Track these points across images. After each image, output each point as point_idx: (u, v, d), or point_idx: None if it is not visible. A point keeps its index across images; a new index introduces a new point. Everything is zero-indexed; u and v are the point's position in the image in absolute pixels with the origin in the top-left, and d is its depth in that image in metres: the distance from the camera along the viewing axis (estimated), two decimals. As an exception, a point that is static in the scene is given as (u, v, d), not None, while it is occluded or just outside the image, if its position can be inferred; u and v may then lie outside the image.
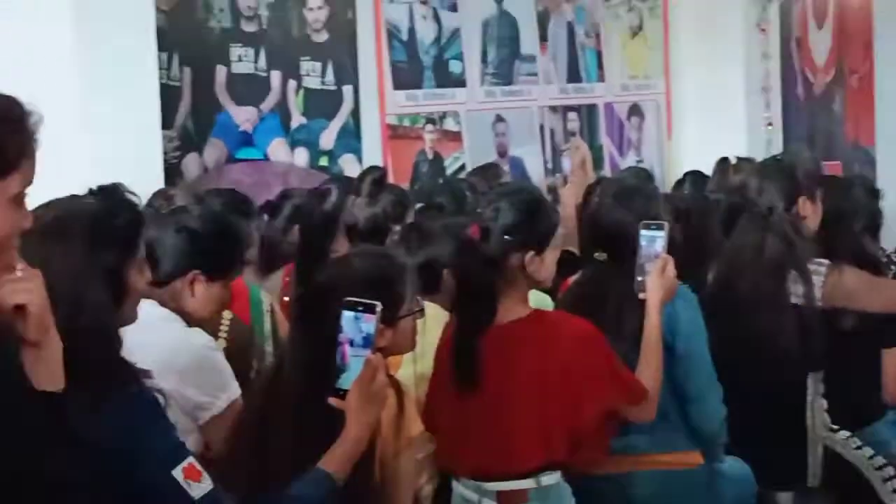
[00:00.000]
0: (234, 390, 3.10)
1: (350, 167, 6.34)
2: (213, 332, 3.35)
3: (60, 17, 4.59)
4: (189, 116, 5.70)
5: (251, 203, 4.51)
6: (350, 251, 3.66)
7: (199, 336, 3.13)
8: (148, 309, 2.84)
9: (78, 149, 4.52)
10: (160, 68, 5.18)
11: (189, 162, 5.72)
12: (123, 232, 2.37)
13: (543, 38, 7.55)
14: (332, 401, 2.61)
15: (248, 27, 6.00)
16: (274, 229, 4.69)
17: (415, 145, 6.84)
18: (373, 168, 4.96)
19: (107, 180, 2.47)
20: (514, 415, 3.24)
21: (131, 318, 2.40)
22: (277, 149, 6.15)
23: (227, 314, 3.50)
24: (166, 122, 5.31)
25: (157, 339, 2.89)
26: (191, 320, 3.16)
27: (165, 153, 5.29)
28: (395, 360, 3.23)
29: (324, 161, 6.36)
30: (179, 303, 3.14)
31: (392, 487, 2.85)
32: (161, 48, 5.17)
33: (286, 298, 4.23)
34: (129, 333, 2.36)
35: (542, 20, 7.56)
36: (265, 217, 4.70)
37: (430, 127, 6.90)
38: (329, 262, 3.24)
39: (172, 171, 5.46)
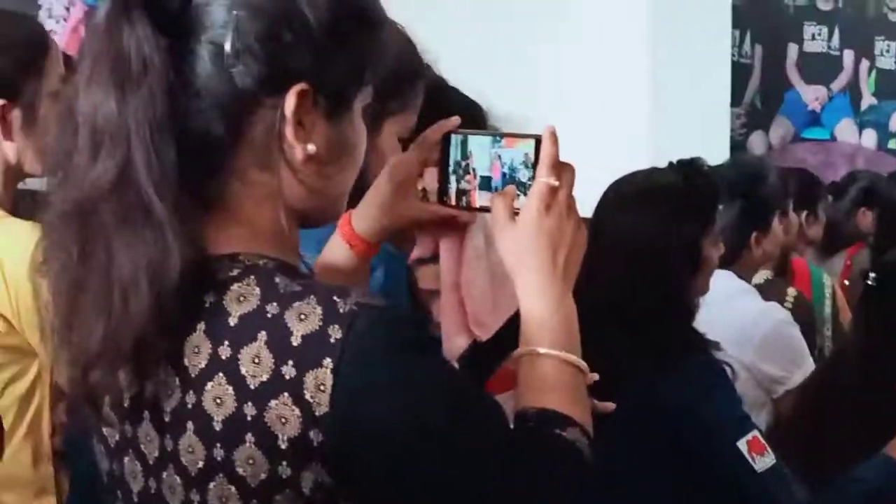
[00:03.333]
0: (810, 366, 3.10)
1: (921, 151, 6.12)
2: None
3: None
4: (757, 94, 5.70)
5: (819, 183, 4.46)
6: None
7: (777, 310, 3.15)
8: (725, 282, 2.90)
9: (647, 121, 4.63)
10: (732, 45, 5.21)
11: (755, 139, 5.73)
12: (703, 205, 2.42)
13: None
14: (903, 389, 2.54)
15: (824, 5, 5.92)
16: (838, 211, 4.62)
17: None
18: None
19: (674, 155, 2.53)
20: None
21: (704, 290, 2.45)
22: (845, 129, 6.03)
23: (791, 290, 3.50)
24: (735, 100, 5.33)
25: (734, 312, 2.94)
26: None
27: (732, 130, 5.33)
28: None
29: (893, 144, 6.16)
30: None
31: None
32: (734, 25, 5.20)
33: (846, 282, 4.16)
34: (706, 305, 2.43)
35: None
36: (830, 198, 4.63)
37: None
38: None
39: (738, 148, 5.48)
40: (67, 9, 3.68)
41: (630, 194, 2.44)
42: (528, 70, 4.38)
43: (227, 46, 1.22)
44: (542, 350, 1.36)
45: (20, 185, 2.23)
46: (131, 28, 1.20)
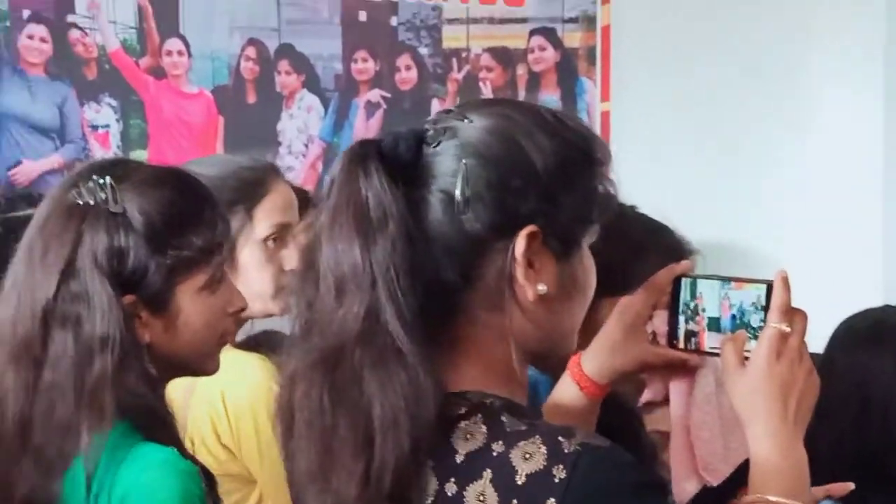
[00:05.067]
0: None
1: None
2: None
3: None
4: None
5: None
6: None
7: None
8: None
9: (882, 257, 4.52)
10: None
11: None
12: (938, 344, 2.38)
13: None
14: None
15: None
16: None
17: None
18: None
19: None
20: None
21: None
22: None
23: None
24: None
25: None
26: None
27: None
28: None
29: None
30: None
31: None
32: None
33: None
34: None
35: None
36: None
37: None
38: None
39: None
40: (306, 145, 3.81)
41: (863, 332, 2.40)
42: (761, 204, 4.34)
43: (457, 194, 1.26)
44: (772, 497, 1.34)
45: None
46: (368, 179, 1.24)
